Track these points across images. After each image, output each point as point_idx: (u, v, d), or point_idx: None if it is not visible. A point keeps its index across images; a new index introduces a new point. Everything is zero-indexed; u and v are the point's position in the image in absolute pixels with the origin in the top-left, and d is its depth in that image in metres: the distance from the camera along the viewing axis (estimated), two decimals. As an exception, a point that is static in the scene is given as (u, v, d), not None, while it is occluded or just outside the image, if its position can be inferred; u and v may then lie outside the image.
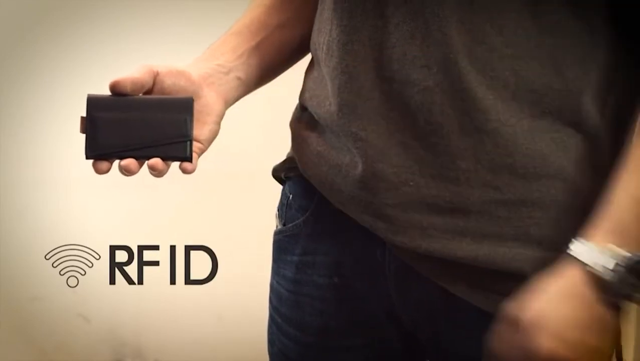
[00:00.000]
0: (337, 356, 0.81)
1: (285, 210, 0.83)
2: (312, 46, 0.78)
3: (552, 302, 0.63)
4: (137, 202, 1.82)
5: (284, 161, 0.84)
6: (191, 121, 0.70)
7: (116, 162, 0.69)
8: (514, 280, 0.68)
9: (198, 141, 0.72)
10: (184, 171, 0.70)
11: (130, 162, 0.68)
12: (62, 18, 1.75)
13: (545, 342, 0.62)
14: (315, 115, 0.76)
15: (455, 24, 0.64)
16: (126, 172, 0.68)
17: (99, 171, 0.69)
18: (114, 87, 0.69)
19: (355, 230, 0.74)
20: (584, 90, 0.65)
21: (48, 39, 1.76)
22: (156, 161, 0.68)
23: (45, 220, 1.83)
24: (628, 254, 0.61)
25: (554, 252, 0.67)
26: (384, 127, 0.68)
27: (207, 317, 1.88)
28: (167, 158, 0.69)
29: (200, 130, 0.73)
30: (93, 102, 0.69)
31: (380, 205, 0.70)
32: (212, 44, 0.80)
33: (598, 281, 0.61)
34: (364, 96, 0.68)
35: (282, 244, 0.83)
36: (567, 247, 0.63)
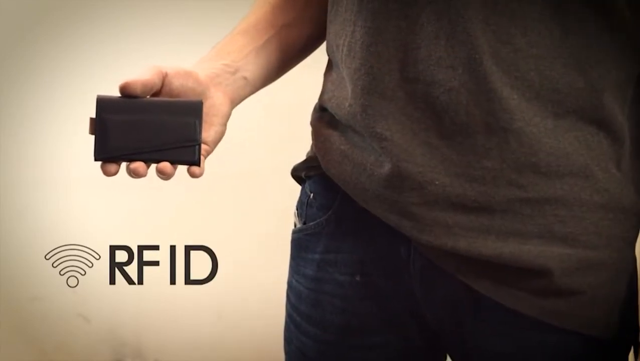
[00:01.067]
0: (357, 354, 0.81)
1: (305, 208, 0.83)
2: (328, 49, 0.78)
3: None
4: (137, 202, 1.82)
5: (305, 160, 0.85)
6: (200, 124, 0.70)
7: (124, 165, 0.69)
8: (539, 278, 0.69)
9: (205, 143, 0.72)
10: (193, 175, 0.70)
11: (139, 165, 0.68)
12: (62, 18, 1.75)
13: None
14: (336, 116, 0.76)
15: (480, 24, 0.64)
16: (135, 175, 0.68)
17: (107, 173, 0.69)
18: (124, 89, 0.68)
19: (379, 229, 0.74)
20: (606, 89, 0.66)
21: (48, 39, 1.76)
22: (165, 165, 0.68)
23: (45, 220, 1.83)
24: None
25: (578, 249, 0.68)
26: (409, 127, 0.69)
27: (207, 317, 1.88)
28: (176, 162, 0.69)
29: (207, 132, 0.73)
30: (102, 104, 0.68)
31: (406, 204, 0.70)
32: (218, 43, 0.80)
33: None
34: (388, 97, 0.69)
35: (303, 242, 0.83)
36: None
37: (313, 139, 0.82)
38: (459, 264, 0.71)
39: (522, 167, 0.66)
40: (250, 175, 1.78)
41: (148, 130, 0.68)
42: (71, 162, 1.78)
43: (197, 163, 0.70)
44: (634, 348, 0.76)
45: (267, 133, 1.72)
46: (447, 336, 0.78)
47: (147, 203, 1.83)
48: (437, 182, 0.68)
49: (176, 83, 0.72)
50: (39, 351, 1.88)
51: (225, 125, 0.75)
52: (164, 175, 0.68)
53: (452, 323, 0.76)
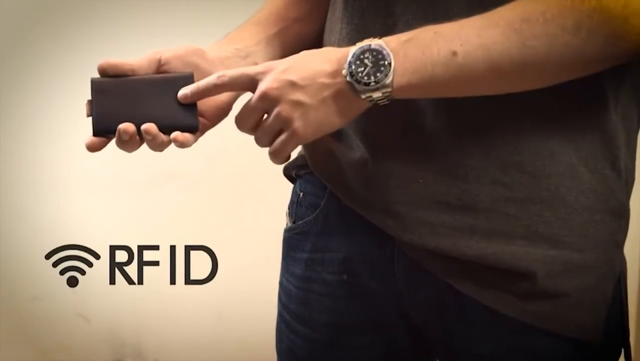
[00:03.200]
0: (345, 353, 0.81)
1: (295, 207, 0.84)
2: (324, 45, 0.78)
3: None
4: (137, 202, 1.82)
5: (295, 159, 0.84)
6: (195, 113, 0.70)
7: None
8: (523, 279, 0.68)
9: (204, 117, 0.72)
10: (183, 143, 0.69)
11: (127, 125, 0.67)
12: (62, 18, 1.75)
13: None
14: None
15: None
16: (124, 133, 0.67)
17: (91, 147, 0.68)
18: (101, 70, 0.70)
19: (365, 228, 0.74)
20: (596, 89, 0.65)
21: (48, 39, 1.76)
22: (150, 125, 0.67)
23: (45, 220, 1.83)
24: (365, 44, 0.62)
25: (563, 250, 0.67)
26: (393, 125, 0.69)
27: (207, 317, 1.88)
28: (174, 128, 0.69)
29: (208, 107, 0.72)
30: (97, 85, 0.70)
31: (390, 203, 0.70)
32: (230, 32, 0.80)
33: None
34: None
35: (292, 241, 0.83)
36: None
37: None
38: (442, 264, 0.70)
39: (507, 165, 0.66)
40: (250, 175, 1.78)
41: (144, 104, 0.69)
42: (71, 162, 1.78)
43: (196, 127, 0.69)
44: (624, 351, 0.75)
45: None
46: (432, 337, 0.77)
47: (147, 203, 1.83)
48: (421, 180, 0.68)
49: (175, 63, 0.72)
50: (39, 351, 1.88)
51: (229, 104, 0.74)
52: (149, 136, 0.67)
53: (437, 323, 0.75)
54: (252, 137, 0.71)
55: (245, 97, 0.79)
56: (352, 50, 0.63)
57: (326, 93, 0.63)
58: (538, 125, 0.65)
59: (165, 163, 1.57)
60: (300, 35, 0.82)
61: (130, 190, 1.79)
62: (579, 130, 0.66)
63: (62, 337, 1.89)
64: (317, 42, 0.83)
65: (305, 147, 0.80)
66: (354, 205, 0.74)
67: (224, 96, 0.73)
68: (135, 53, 1.77)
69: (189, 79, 0.70)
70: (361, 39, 0.68)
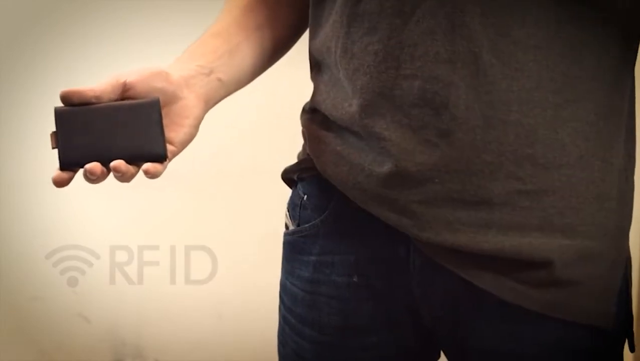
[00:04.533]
0: (353, 355, 0.81)
1: (299, 210, 0.83)
2: (316, 52, 0.78)
3: None
4: (137, 202, 1.82)
5: (298, 162, 0.84)
6: (160, 120, 0.68)
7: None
8: (540, 269, 0.69)
9: (172, 144, 0.70)
10: (152, 174, 0.67)
11: (94, 165, 0.65)
12: (62, 18, 1.75)
13: None
14: (330, 117, 0.76)
15: (479, 18, 0.64)
16: (91, 175, 0.65)
17: (59, 182, 0.68)
18: (63, 98, 0.68)
19: (376, 229, 0.75)
20: (603, 77, 0.67)
21: (48, 39, 1.76)
22: (118, 162, 0.65)
23: (45, 220, 1.83)
24: None
25: (576, 240, 0.68)
26: (407, 125, 0.69)
27: (207, 317, 1.88)
28: (142, 159, 0.67)
29: (175, 133, 0.71)
30: (61, 115, 0.68)
31: (406, 202, 0.70)
32: (190, 45, 0.78)
33: None
34: (386, 95, 0.69)
35: (297, 244, 0.83)
36: None
37: (306, 141, 0.82)
38: (460, 260, 0.71)
39: (520, 159, 0.66)
40: (250, 175, 1.78)
41: (110, 134, 0.67)
42: (71, 162, 1.77)
43: (164, 156, 0.67)
44: (628, 338, 0.76)
45: (268, 133, 1.72)
46: (443, 335, 0.78)
47: (147, 203, 1.83)
48: (436, 180, 0.68)
49: (140, 87, 0.70)
50: (39, 351, 1.88)
51: (196, 127, 0.73)
52: (118, 173, 0.65)
53: (450, 321, 0.76)
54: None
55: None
56: None
57: None
58: (548, 117, 0.66)
59: (165, 163, 1.57)
60: (261, 43, 0.82)
61: (130, 190, 1.79)
62: (587, 120, 0.67)
63: (62, 337, 1.89)
64: (277, 50, 0.83)
65: (312, 150, 0.80)
66: (368, 207, 0.74)
67: (190, 120, 0.72)
68: (137, 53, 1.77)
69: (155, 105, 0.68)
70: (371, 42, 0.69)
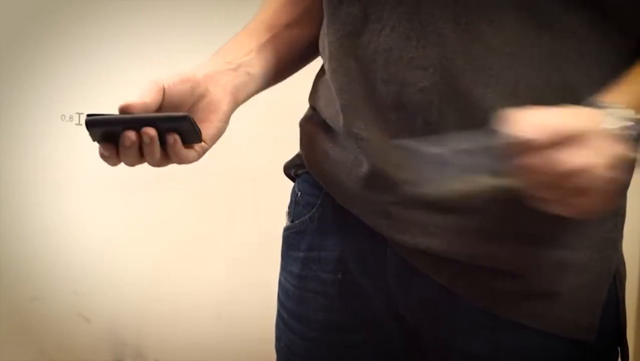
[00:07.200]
0: (340, 352, 0.81)
1: (294, 207, 0.84)
2: (320, 50, 0.79)
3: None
4: (137, 202, 1.82)
5: (293, 159, 0.85)
6: (193, 123, 0.69)
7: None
8: (515, 278, 0.68)
9: (202, 140, 0.71)
10: (183, 156, 0.68)
11: (130, 132, 0.65)
12: (62, 18, 1.75)
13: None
14: (322, 115, 0.77)
15: (451, 23, 0.64)
16: (127, 140, 0.66)
17: (104, 156, 0.68)
18: (125, 110, 0.67)
19: (360, 227, 0.75)
20: (585, 85, 0.65)
21: (48, 39, 1.76)
22: (148, 129, 0.66)
23: (45, 220, 1.83)
24: None
25: (555, 250, 0.67)
26: (384, 128, 0.69)
27: (207, 317, 1.88)
28: (173, 127, 0.67)
29: (204, 129, 0.71)
30: (91, 123, 0.67)
31: (382, 203, 0.71)
32: (222, 46, 0.80)
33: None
34: (364, 98, 0.69)
35: (290, 240, 0.84)
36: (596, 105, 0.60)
37: (300, 138, 0.82)
38: (434, 264, 0.71)
39: None
40: (250, 176, 1.78)
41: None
42: (71, 162, 1.78)
43: (197, 133, 0.68)
44: (620, 351, 0.75)
45: (269, 133, 1.72)
46: (425, 337, 0.77)
47: (147, 203, 1.83)
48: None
49: (174, 92, 0.70)
50: (38, 351, 1.88)
51: (224, 121, 0.74)
52: (147, 137, 0.66)
53: (429, 323, 0.75)
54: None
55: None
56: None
57: None
58: None
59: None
60: (291, 40, 0.82)
61: (131, 190, 1.79)
62: None
63: (62, 337, 1.89)
64: (310, 46, 0.83)
65: (302, 147, 0.80)
66: (348, 205, 0.74)
67: (218, 115, 0.73)
68: (137, 53, 1.76)
69: (184, 119, 0.68)
70: (351, 45, 0.68)
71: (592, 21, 0.65)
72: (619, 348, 0.75)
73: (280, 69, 0.82)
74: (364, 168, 0.70)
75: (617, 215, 0.71)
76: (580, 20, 0.64)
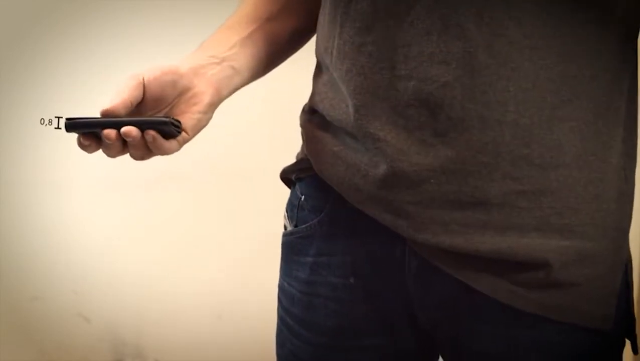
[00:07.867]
0: (350, 356, 0.81)
1: (297, 211, 0.83)
2: (317, 51, 0.78)
3: None
4: (137, 202, 1.82)
5: (296, 163, 0.84)
6: (175, 124, 0.70)
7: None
8: (537, 271, 0.69)
9: (183, 130, 0.72)
10: (165, 149, 0.69)
11: (110, 131, 0.66)
12: (62, 18, 1.75)
13: None
14: (327, 117, 0.76)
15: (474, 17, 0.64)
16: (107, 140, 0.66)
17: (83, 145, 0.68)
18: (106, 115, 0.67)
19: (373, 230, 0.74)
20: (601, 76, 0.66)
21: (48, 39, 1.76)
22: (129, 128, 0.66)
23: (45, 220, 1.83)
24: None
25: (575, 240, 0.68)
26: (403, 126, 0.69)
27: (207, 317, 1.88)
28: (152, 127, 0.67)
29: (184, 120, 0.72)
30: (72, 126, 0.67)
31: (402, 203, 0.70)
32: (204, 40, 0.80)
33: None
34: (381, 96, 0.69)
35: (295, 245, 0.83)
36: None
37: (304, 141, 0.82)
38: (456, 262, 0.71)
39: (516, 159, 0.66)
40: (249, 176, 1.78)
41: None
42: (71, 162, 1.77)
43: (175, 125, 0.69)
44: (630, 340, 0.76)
45: (268, 135, 1.72)
46: (440, 337, 0.77)
47: (147, 203, 1.83)
48: (432, 180, 0.68)
49: (155, 85, 0.71)
50: (38, 351, 1.88)
51: (206, 113, 0.75)
52: (129, 138, 0.66)
53: (447, 323, 0.75)
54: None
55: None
56: None
57: None
58: (544, 117, 0.66)
59: (165, 163, 1.57)
60: (273, 33, 0.83)
61: (130, 190, 1.79)
62: (584, 120, 0.67)
63: (62, 337, 1.89)
64: (292, 40, 0.84)
65: (309, 150, 0.80)
66: (364, 207, 0.74)
67: (199, 106, 0.73)
68: (137, 53, 1.76)
69: (164, 123, 0.68)
70: (364, 43, 0.69)
71: (608, 16, 0.66)
72: (629, 337, 0.76)
73: (263, 63, 0.83)
74: (381, 169, 0.70)
75: (627, 202, 0.72)
76: (597, 14, 0.65)
